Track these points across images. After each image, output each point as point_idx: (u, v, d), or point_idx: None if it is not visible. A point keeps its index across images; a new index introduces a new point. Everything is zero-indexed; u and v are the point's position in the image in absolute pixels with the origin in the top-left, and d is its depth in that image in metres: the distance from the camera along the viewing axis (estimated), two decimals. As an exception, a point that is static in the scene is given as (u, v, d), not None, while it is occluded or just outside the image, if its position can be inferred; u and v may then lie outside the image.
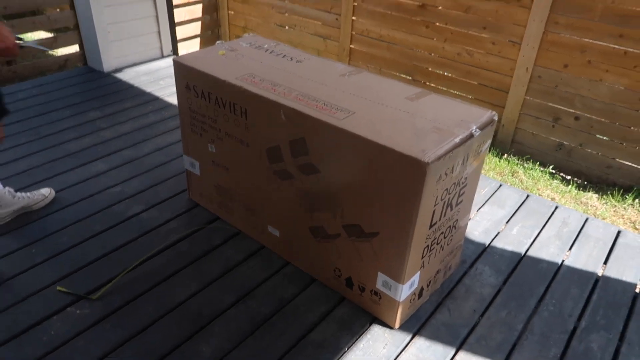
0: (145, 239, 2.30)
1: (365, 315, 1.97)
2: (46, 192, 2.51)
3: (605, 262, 2.35)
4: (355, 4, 4.28)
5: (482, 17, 3.69)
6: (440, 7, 3.86)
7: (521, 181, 3.42)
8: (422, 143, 1.61)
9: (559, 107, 3.55)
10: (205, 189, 2.45)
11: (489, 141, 1.87)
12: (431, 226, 1.75)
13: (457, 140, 1.65)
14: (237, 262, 2.19)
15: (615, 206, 3.21)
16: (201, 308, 1.96)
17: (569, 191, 3.35)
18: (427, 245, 1.80)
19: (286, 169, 1.97)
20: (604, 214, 3.13)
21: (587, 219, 2.63)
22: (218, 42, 2.42)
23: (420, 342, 1.88)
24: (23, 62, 4.25)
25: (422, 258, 1.82)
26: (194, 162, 2.41)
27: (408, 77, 4.23)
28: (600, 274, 2.28)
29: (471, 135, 1.70)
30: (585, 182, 3.49)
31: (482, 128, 1.75)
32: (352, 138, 1.69)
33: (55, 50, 4.47)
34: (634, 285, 2.22)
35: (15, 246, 2.21)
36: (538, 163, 3.64)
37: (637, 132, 3.29)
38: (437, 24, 3.93)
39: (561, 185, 3.43)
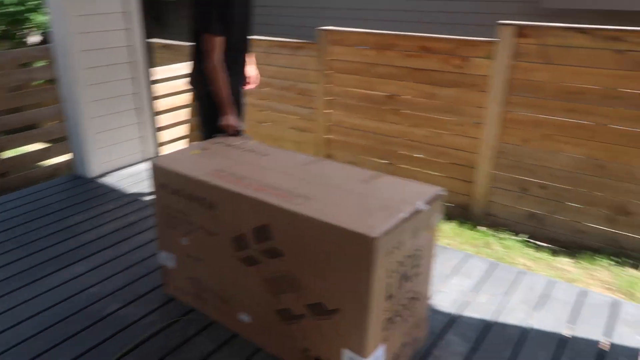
0: (121, 336, 2.31)
1: (338, 397, 1.95)
2: None
3: (571, 323, 2.38)
4: (327, 98, 4.60)
5: (445, 103, 3.96)
6: (406, 96, 4.16)
7: (495, 251, 3.49)
8: (370, 220, 1.72)
9: (525, 178, 3.72)
10: (180, 282, 2.51)
11: (439, 214, 1.98)
12: (388, 299, 1.81)
13: (404, 215, 1.76)
14: (210, 352, 2.20)
15: (587, 268, 3.27)
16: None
17: (542, 257, 3.41)
18: (388, 318, 1.85)
19: (252, 255, 2.06)
20: (577, 277, 3.17)
21: (553, 282, 2.68)
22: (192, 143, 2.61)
23: (394, 422, 1.86)
24: (16, 174, 4.45)
25: (385, 331, 1.85)
26: (169, 255, 2.50)
27: (384, 161, 4.43)
28: (566, 335, 2.30)
29: (417, 210, 1.81)
30: (560, 248, 3.57)
31: (429, 203, 1.87)
32: (307, 221, 1.80)
33: (46, 161, 4.69)
34: (597, 343, 2.24)
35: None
36: (513, 233, 3.73)
37: (601, 197, 3.43)
38: (405, 110, 4.20)
39: (535, 252, 3.50)
